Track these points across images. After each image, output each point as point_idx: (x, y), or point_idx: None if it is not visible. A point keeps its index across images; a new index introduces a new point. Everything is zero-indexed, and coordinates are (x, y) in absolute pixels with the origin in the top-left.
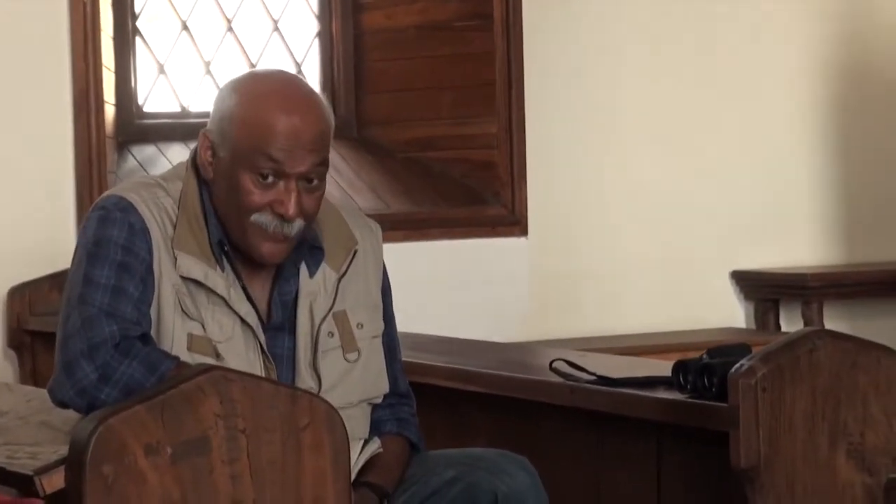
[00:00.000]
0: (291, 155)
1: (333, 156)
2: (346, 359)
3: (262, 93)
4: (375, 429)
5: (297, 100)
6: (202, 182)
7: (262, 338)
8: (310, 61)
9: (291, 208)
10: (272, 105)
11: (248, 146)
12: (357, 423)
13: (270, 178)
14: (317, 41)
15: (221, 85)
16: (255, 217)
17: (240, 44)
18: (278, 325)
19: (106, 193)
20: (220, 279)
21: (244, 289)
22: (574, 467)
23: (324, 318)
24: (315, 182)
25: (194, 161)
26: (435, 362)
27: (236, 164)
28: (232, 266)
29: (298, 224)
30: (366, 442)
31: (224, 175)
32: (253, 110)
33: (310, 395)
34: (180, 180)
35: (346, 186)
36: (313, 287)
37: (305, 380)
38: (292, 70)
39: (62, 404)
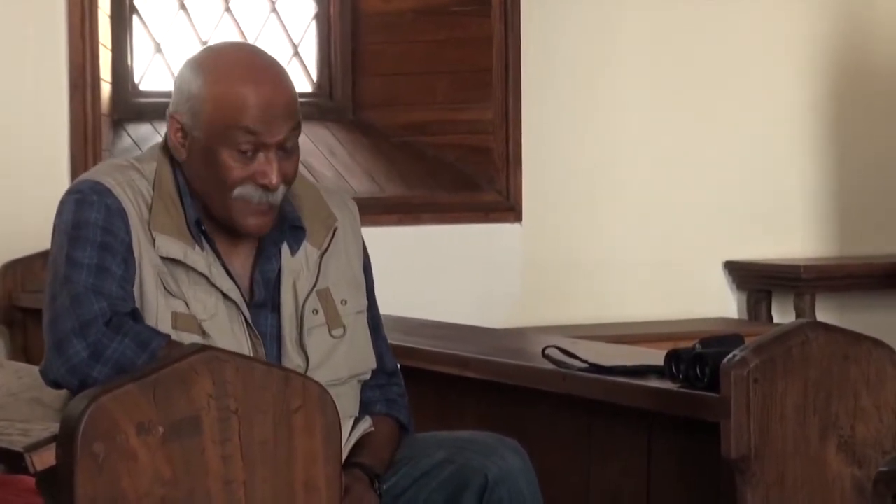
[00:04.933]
0: (268, 125)
1: (328, 137)
2: (331, 335)
3: (228, 67)
4: (365, 410)
5: (263, 69)
6: (175, 163)
7: (247, 313)
8: (307, 43)
9: (275, 178)
10: (240, 78)
11: (224, 123)
12: (347, 401)
13: (249, 153)
14: (314, 23)
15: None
16: (237, 191)
17: (237, 24)
18: (261, 303)
19: (80, 178)
20: (199, 257)
21: (224, 266)
22: (564, 454)
23: (307, 296)
24: (290, 147)
25: (166, 143)
26: (427, 347)
27: (213, 141)
28: (211, 245)
29: (281, 191)
30: (356, 421)
31: (200, 154)
32: (223, 86)
33: (303, 377)
34: (155, 161)
35: (341, 169)
36: (296, 265)
37: (293, 358)
38: (287, 52)
39: (55, 384)
